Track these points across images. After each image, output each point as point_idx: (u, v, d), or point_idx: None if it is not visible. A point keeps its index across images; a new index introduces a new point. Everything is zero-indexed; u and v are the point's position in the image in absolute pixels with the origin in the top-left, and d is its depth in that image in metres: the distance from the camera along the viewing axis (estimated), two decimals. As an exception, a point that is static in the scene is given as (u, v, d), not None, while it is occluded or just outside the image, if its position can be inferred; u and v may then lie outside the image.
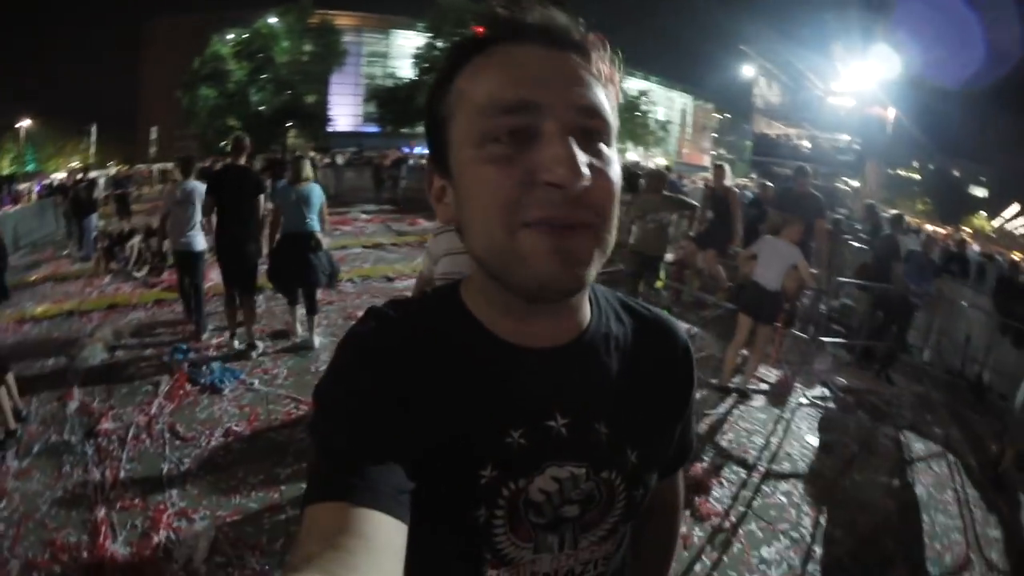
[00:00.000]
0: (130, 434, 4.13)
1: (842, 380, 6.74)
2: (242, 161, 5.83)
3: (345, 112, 45.00)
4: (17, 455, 3.91)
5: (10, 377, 4.28)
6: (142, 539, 3.17)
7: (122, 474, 3.70)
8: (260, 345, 5.79)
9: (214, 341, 5.93)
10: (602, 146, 0.67)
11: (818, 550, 3.71)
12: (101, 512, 3.33)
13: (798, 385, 6.30)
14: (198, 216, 5.80)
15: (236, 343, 5.80)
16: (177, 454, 3.96)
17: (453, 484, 0.71)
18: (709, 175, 12.49)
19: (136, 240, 8.99)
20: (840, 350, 7.80)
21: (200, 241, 5.90)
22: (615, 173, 0.68)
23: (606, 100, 0.69)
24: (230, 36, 36.26)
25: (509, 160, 0.64)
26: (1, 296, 5.29)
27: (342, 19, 41.48)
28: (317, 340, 5.98)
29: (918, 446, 5.47)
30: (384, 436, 0.66)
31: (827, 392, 6.33)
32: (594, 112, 0.66)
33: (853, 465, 4.91)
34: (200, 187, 5.90)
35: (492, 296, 0.75)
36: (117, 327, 5.93)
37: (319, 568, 0.53)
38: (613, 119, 0.70)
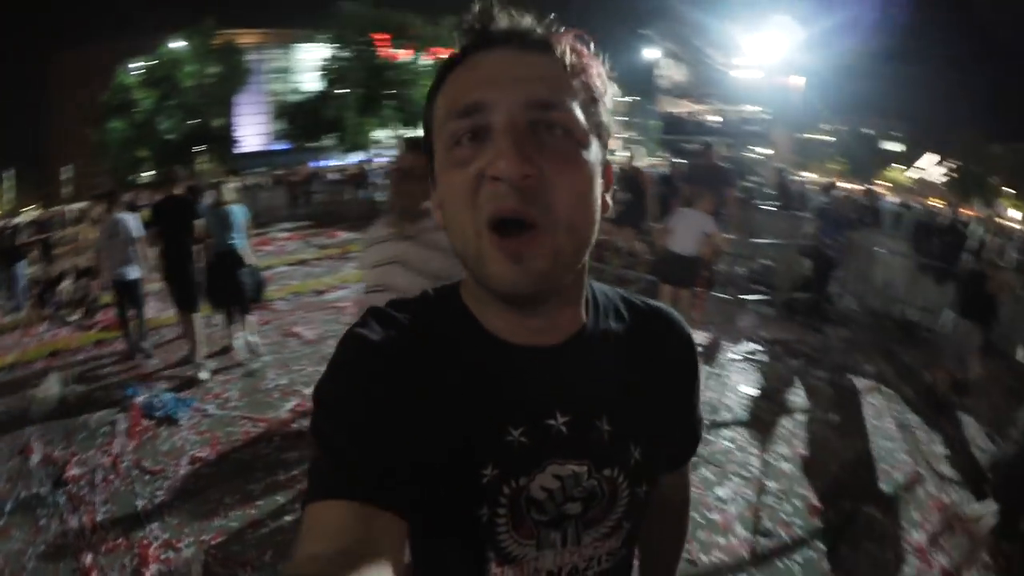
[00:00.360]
0: (98, 477, 4.11)
1: (769, 334, 7.14)
2: (177, 191, 6.18)
3: (253, 132, 44.16)
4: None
5: None
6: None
7: (99, 517, 3.69)
8: (205, 370, 5.92)
9: (163, 374, 5.92)
10: (565, 139, 0.68)
11: (770, 484, 4.03)
12: (88, 558, 3.32)
13: (726, 343, 6.68)
14: (130, 245, 6.01)
15: (199, 363, 5.96)
16: (149, 488, 3.97)
17: (454, 483, 0.72)
18: (619, 157, 12.84)
19: (67, 283, 8.78)
20: (762, 307, 8.27)
21: (136, 269, 6.08)
22: (579, 167, 0.69)
23: (571, 92, 0.69)
24: (136, 65, 35.33)
25: (468, 161, 0.67)
26: None
27: (244, 38, 40.67)
28: (259, 345, 6.39)
29: (852, 383, 5.87)
30: (384, 434, 0.67)
31: (755, 346, 6.72)
32: (548, 105, 0.67)
33: (790, 407, 5.28)
34: (128, 217, 6.14)
35: (485, 297, 0.76)
36: (63, 373, 5.86)
37: (320, 567, 0.56)
38: (580, 110, 0.70)
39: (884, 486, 4.18)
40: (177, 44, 34.88)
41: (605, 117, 0.74)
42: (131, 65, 35.19)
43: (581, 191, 0.69)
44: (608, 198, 0.77)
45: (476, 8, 0.72)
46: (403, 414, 0.69)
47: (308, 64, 41.20)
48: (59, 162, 51.48)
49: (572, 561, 0.81)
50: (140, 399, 5.19)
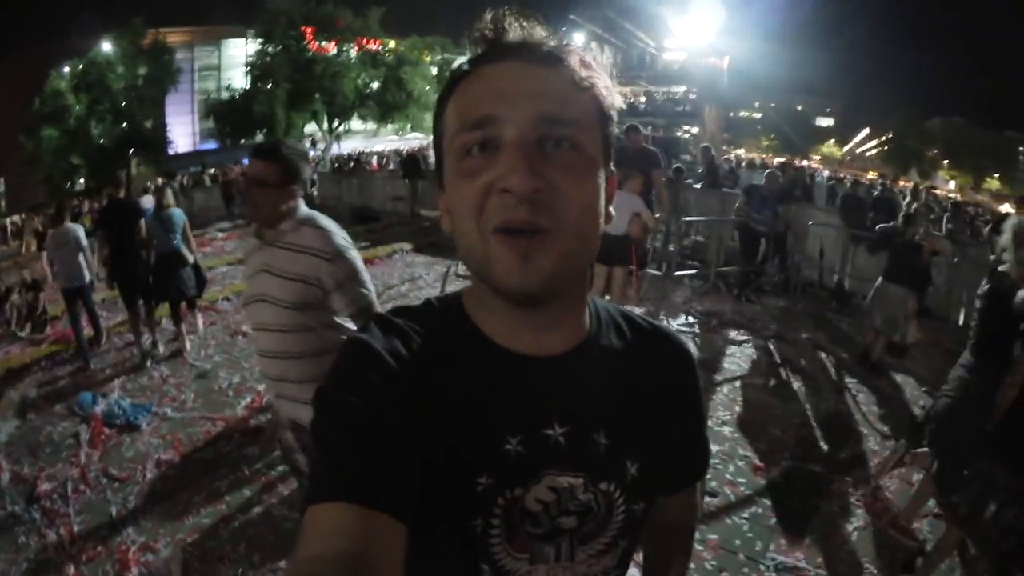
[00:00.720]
0: (69, 489, 4.14)
1: (703, 306, 7.48)
2: (120, 195, 6.67)
3: (183, 132, 42.88)
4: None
5: None
6: (119, 581, 3.28)
7: (76, 528, 3.74)
8: (161, 348, 6.58)
9: (119, 381, 5.95)
10: (572, 154, 0.69)
11: (713, 447, 4.25)
12: (71, 570, 3.39)
13: (663, 317, 6.94)
14: (79, 254, 6.36)
15: (160, 346, 6.61)
16: (119, 495, 4.04)
17: (450, 491, 0.72)
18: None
19: (14, 298, 8.59)
20: (696, 281, 8.65)
21: (86, 274, 6.42)
22: (586, 180, 0.70)
23: (579, 107, 0.71)
24: (67, 69, 34.23)
25: (478, 172, 0.68)
26: None
27: (173, 36, 39.22)
28: (207, 340, 6.85)
29: (788, 351, 6.19)
30: (386, 438, 0.67)
31: (691, 319, 7.04)
32: (557, 120, 0.68)
33: (728, 375, 5.58)
34: (76, 227, 6.58)
35: (489, 303, 0.77)
36: (20, 391, 5.86)
37: (319, 568, 0.56)
38: (589, 123, 0.72)
39: (825, 444, 4.43)
40: (107, 46, 33.90)
41: (611, 130, 0.76)
42: (62, 70, 34.15)
43: (588, 203, 0.71)
44: (611, 209, 0.78)
45: (487, 17, 0.74)
46: (403, 418, 0.69)
47: (238, 60, 40.36)
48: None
49: None
50: (100, 408, 5.21)
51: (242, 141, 34.66)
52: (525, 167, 0.65)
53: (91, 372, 6.22)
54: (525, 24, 0.73)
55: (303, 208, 2.40)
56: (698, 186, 11.55)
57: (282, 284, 2.26)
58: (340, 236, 2.34)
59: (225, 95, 36.30)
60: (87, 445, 4.72)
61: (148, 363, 6.18)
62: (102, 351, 6.66)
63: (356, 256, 2.34)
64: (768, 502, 3.78)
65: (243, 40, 39.03)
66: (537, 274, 0.67)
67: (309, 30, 33.65)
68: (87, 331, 6.62)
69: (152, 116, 35.85)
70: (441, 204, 0.79)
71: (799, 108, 61.52)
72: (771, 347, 6.31)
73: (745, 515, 3.67)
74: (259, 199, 2.32)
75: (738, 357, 6.02)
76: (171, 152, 38.68)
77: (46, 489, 4.19)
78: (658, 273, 8.61)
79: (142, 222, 6.36)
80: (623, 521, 0.81)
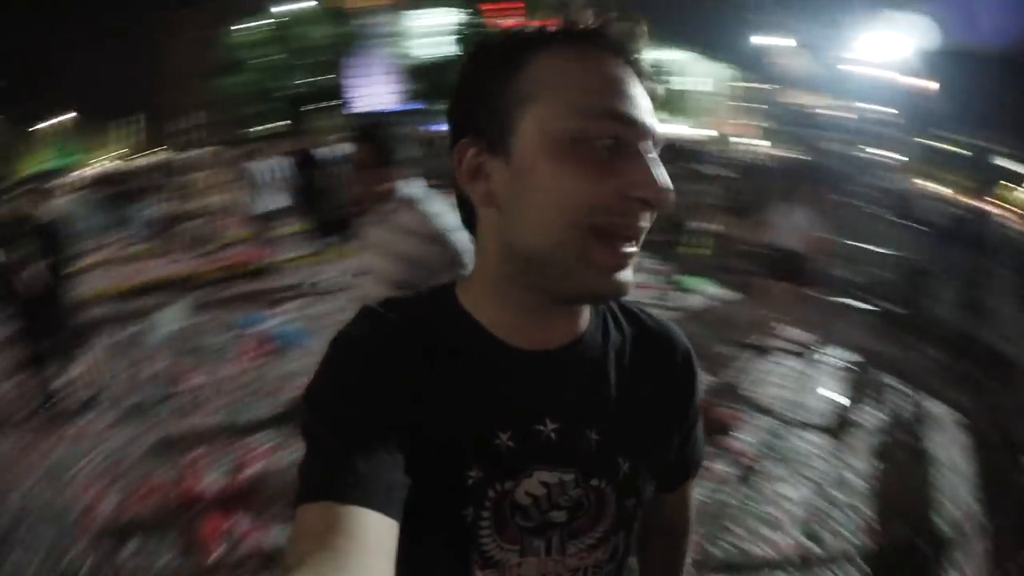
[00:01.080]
0: (212, 390, 4.54)
1: (863, 343, 6.95)
2: (306, 146, 8.10)
3: (388, 92, 45.03)
4: (106, 411, 4.30)
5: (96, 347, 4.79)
6: (236, 473, 3.59)
7: (210, 423, 4.11)
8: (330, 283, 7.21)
9: (283, 307, 6.44)
10: None
11: (833, 493, 4.07)
12: (195, 452, 3.75)
13: (818, 344, 6.56)
14: (263, 188, 7.51)
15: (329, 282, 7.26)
16: (259, 404, 4.37)
17: (441, 483, 0.72)
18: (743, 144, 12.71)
19: (196, 221, 9.34)
20: (861, 314, 8.09)
21: (266, 206, 7.55)
22: None
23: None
24: (257, 24, 37.28)
25: (599, 166, 0.66)
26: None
27: (362, 1, 41.54)
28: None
29: (937, 410, 5.64)
30: (375, 434, 0.67)
31: (847, 353, 6.57)
32: (662, 144, 0.70)
33: (870, 420, 5.19)
34: (264, 164, 7.67)
35: (504, 295, 0.76)
36: (188, 299, 6.46)
37: (310, 569, 0.56)
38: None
39: (948, 527, 4.05)
40: (296, 5, 36.43)
41: None
42: (253, 23, 37.16)
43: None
44: None
45: (590, 4, 0.71)
46: (392, 415, 0.69)
47: (437, 28, 41.81)
48: (182, 111, 53.77)
49: (556, 571, 0.80)
50: (261, 327, 5.69)
51: (439, 105, 36.23)
52: (666, 183, 0.66)
53: (260, 294, 6.86)
54: (628, 21, 0.71)
55: (408, 188, 2.43)
56: (880, 214, 10.84)
57: (387, 261, 2.31)
58: (442, 218, 2.31)
59: (419, 61, 38.02)
60: (240, 357, 5.15)
61: (314, 295, 6.73)
62: (274, 277, 7.37)
63: (460, 239, 2.26)
64: (868, 568, 3.53)
65: (432, 10, 40.38)
66: (627, 284, 0.70)
67: (509, 5, 34.41)
68: (262, 258, 7.52)
69: (341, 74, 38.22)
70: (473, 167, 0.74)
71: (1001, 148, 56.13)
72: (921, 401, 5.78)
73: (839, 573, 3.46)
74: (366, 179, 2.43)
75: (887, 406, 5.57)
76: (362, 110, 40.79)
77: (191, 385, 4.62)
78: (824, 298, 8.15)
79: (322, 171, 7.42)
80: (615, 516, 0.82)
